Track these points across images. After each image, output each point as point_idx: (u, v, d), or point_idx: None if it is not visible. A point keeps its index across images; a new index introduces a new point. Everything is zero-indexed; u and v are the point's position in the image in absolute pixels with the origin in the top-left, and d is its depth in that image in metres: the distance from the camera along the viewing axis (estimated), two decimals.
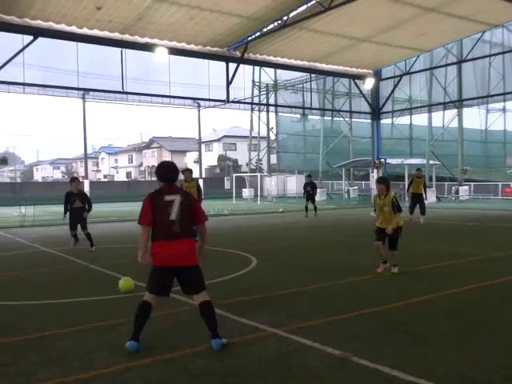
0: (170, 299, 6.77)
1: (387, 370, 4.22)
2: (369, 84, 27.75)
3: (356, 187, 40.75)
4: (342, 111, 41.50)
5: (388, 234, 8.16)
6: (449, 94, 36.73)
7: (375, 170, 30.03)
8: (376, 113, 30.20)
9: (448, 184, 37.02)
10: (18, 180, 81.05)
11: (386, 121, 37.07)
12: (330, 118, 44.11)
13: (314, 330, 5.40)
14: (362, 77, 28.01)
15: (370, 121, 32.74)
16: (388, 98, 30.66)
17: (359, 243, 12.78)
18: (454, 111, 38.40)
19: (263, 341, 5.10)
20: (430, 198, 32.00)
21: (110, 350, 4.89)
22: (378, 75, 28.78)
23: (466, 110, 39.10)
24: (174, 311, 6.25)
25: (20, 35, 18.99)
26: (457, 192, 34.92)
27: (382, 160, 29.85)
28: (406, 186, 19.93)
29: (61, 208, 12.20)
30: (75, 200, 11.86)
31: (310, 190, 21.53)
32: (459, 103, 36.08)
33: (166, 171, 5.24)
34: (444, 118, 41.05)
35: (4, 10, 17.39)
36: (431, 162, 36.26)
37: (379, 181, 8.64)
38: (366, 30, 22.13)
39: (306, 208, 21.40)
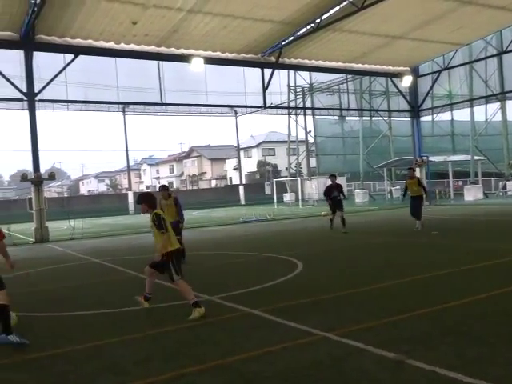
0: (219, 305, 6.88)
1: (445, 372, 4.11)
2: (406, 81, 27.30)
3: (398, 187, 40.03)
4: (381, 110, 40.92)
5: None
6: (490, 87, 35.63)
7: (417, 169, 29.44)
8: (415, 110, 29.67)
9: (495, 179, 35.89)
10: (65, 194, 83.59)
11: (426, 118, 36.30)
12: (368, 118, 43.55)
13: (365, 332, 5.32)
14: (399, 74, 27.59)
15: (409, 119, 32.17)
16: (427, 95, 30.03)
17: (405, 244, 12.55)
18: (497, 104, 37.19)
19: (315, 345, 5.06)
20: (477, 194, 31.14)
21: (164, 357, 4.95)
22: (415, 72, 28.31)
23: (509, 103, 37.84)
24: (223, 317, 6.29)
25: (61, 54, 19.66)
26: (504, 187, 33.81)
27: (424, 158, 29.25)
28: (402, 192, 17.86)
29: (106, 220, 12.46)
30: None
31: (337, 196, 16.17)
32: (502, 96, 34.93)
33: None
34: (487, 112, 39.86)
35: (45, 31, 18.05)
36: (476, 157, 35.25)
37: None
38: (400, 27, 21.83)
39: (331, 220, 16.54)
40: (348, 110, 39.58)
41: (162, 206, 10.82)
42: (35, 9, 15.95)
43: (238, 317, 6.29)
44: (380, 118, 42.89)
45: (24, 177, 19.67)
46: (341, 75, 34.41)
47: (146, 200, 6.73)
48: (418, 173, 29.26)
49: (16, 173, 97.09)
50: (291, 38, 21.44)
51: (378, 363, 4.45)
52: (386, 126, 42.78)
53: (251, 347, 5.06)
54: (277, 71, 25.06)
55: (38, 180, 18.92)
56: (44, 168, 19.94)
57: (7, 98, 20.42)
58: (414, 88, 29.18)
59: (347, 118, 44.71)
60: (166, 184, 13.89)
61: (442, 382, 3.99)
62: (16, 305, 7.75)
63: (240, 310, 6.54)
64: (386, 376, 4.19)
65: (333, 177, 16.68)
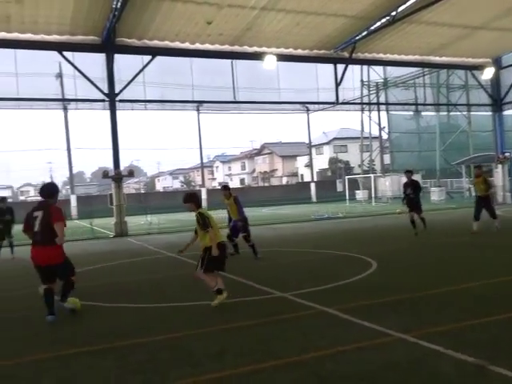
0: (292, 302, 6.89)
1: None
2: (488, 74, 25.99)
3: None
4: (459, 105, 39.20)
5: None
6: None
7: (499, 166, 27.99)
8: (498, 104, 28.23)
9: None
10: (142, 191, 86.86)
11: (509, 112, 34.36)
12: (445, 113, 41.85)
13: (444, 335, 5.12)
14: (479, 67, 26.35)
15: (490, 113, 30.62)
16: (511, 88, 28.44)
17: (486, 245, 11.97)
18: None
19: (391, 346, 4.95)
20: None
21: (238, 352, 5.01)
22: (497, 63, 26.91)
23: None
24: (297, 314, 6.28)
25: (140, 56, 20.43)
26: None
27: (507, 154, 27.74)
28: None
29: (180, 215, 12.79)
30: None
31: (410, 193, 14.54)
32: None
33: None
34: None
35: (125, 34, 18.82)
36: None
37: None
38: (481, 16, 20.82)
39: (413, 222, 14.52)
40: (424, 104, 38.28)
41: (226, 204, 11.43)
42: (116, 13, 16.67)
43: (311, 314, 6.27)
44: (458, 113, 41.09)
45: (105, 174, 20.64)
46: (417, 69, 33.29)
47: (191, 199, 7.18)
48: (500, 170, 27.88)
49: (97, 170, 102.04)
50: (365, 33, 21.03)
51: (458, 367, 4.28)
52: (464, 120, 40.93)
53: (325, 345, 5.02)
54: (350, 66, 24.69)
55: (118, 177, 19.80)
56: (123, 165, 20.81)
57: (91, 98, 21.53)
58: (495, 80, 27.78)
59: (423, 113, 43.23)
60: (228, 184, 14.30)
61: None
62: (99, 295, 8.17)
63: (313, 308, 6.51)
64: (466, 381, 4.03)
65: (408, 173, 15.14)
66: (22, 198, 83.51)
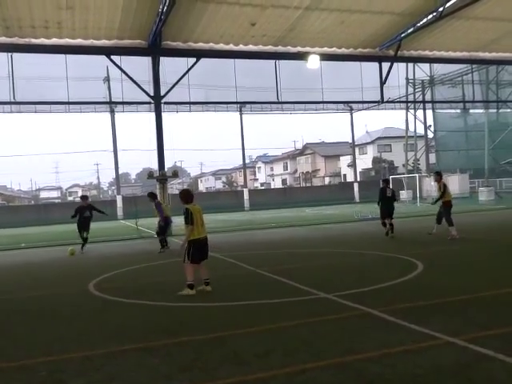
0: (336, 303, 6.85)
1: None
2: None
3: None
4: (509, 101, 37.90)
5: None
6: None
7: None
8: None
9: None
10: None
11: None
12: (494, 111, 40.56)
13: (494, 339, 4.98)
14: None
15: None
16: None
17: None
18: None
19: (439, 349, 4.85)
20: None
21: (284, 352, 5.03)
22: None
23: None
24: (341, 315, 6.25)
25: (185, 58, 20.76)
26: None
27: None
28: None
29: (223, 216, 12.93)
30: None
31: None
32: None
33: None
34: None
35: (171, 37, 19.16)
36: None
37: None
38: None
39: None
40: (473, 102, 37.19)
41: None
42: (162, 17, 16.99)
43: (356, 316, 6.22)
44: (508, 110, 39.76)
45: (150, 175, 21.04)
46: (465, 65, 32.45)
47: (180, 196, 8.29)
48: None
49: (142, 171, 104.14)
50: (411, 30, 20.64)
51: (511, 373, 4.15)
52: None
53: (371, 348, 4.97)
54: (395, 64, 24.27)
55: (162, 178, 20.15)
56: (167, 166, 21.17)
57: (137, 101, 22.03)
58: None
59: (471, 111, 42.08)
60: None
61: None
62: (146, 293, 8.35)
63: (358, 310, 6.46)
64: None
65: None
66: (70, 198, 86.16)
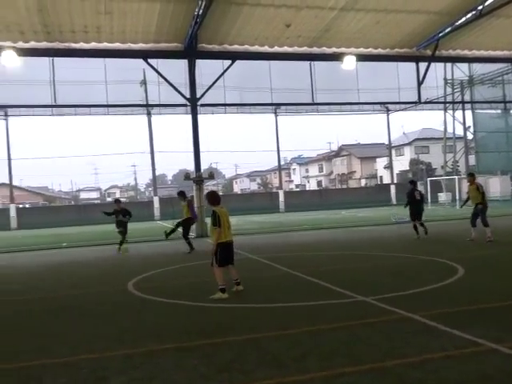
0: (374, 306, 6.77)
1: None
2: None
3: None
4: None
5: None
6: None
7: None
8: None
9: None
10: (220, 193, 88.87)
11: None
12: None
13: None
14: None
15: None
16: None
17: None
18: None
19: (482, 356, 4.71)
20: None
21: (321, 355, 4.99)
22: None
23: None
24: (380, 319, 6.16)
25: (220, 61, 20.91)
26: None
27: None
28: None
29: (258, 217, 12.94)
30: None
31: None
32: None
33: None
34: None
35: (206, 40, 19.34)
36: None
37: None
38: None
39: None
40: None
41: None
42: (198, 20, 17.17)
43: (395, 320, 6.12)
44: None
45: (187, 176, 21.26)
46: (505, 65, 31.56)
47: (206, 198, 8.41)
48: None
49: (178, 172, 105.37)
50: (449, 29, 20.24)
51: None
52: None
53: (411, 353, 4.88)
54: (432, 64, 23.83)
55: (199, 179, 20.34)
56: (202, 168, 21.33)
57: (173, 103, 22.30)
58: None
59: None
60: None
61: None
62: (184, 293, 8.43)
63: (397, 314, 6.35)
64: None
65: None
66: (109, 199, 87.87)
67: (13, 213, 38.60)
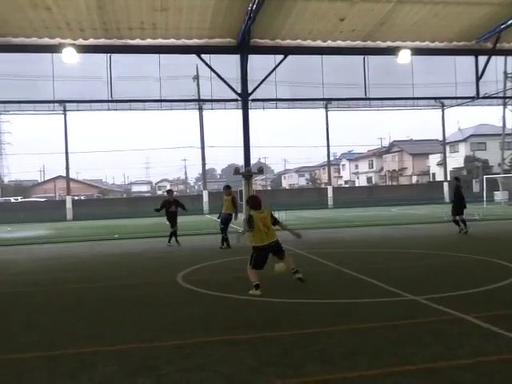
0: (425, 306, 6.62)
1: None
2: None
3: None
4: None
5: None
6: None
7: None
8: None
9: None
10: (269, 187, 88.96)
11: None
12: None
13: None
14: None
15: None
16: None
17: None
18: None
19: None
20: None
21: (370, 353, 4.93)
22: None
23: None
24: (431, 319, 6.02)
25: (272, 55, 20.88)
26: None
27: None
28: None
29: (306, 213, 12.89)
30: None
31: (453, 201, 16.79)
32: None
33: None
34: None
35: (259, 35, 19.35)
36: None
37: None
38: None
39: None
40: None
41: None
42: (251, 15, 17.20)
43: (447, 320, 5.96)
44: None
45: (236, 170, 21.38)
46: None
47: (246, 202, 8.61)
48: None
49: (227, 167, 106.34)
50: None
51: None
52: None
53: (463, 354, 4.76)
54: (493, 58, 22.92)
55: (248, 174, 20.43)
56: (252, 162, 21.40)
57: (225, 98, 22.49)
58: None
59: None
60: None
61: None
62: (232, 287, 8.52)
63: (449, 314, 6.19)
64: None
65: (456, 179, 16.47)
66: (159, 192, 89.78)
67: (69, 204, 40.09)
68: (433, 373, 4.39)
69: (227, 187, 15.60)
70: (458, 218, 16.31)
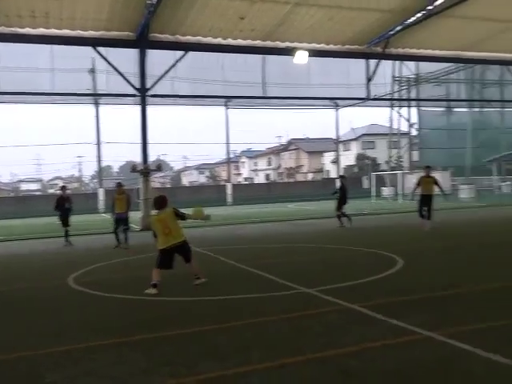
0: (316, 298, 6.89)
1: None
2: None
3: (509, 182, 37.45)
4: (494, 101, 38.34)
5: None
6: None
7: None
8: None
9: None
10: (168, 185, 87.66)
11: None
12: (478, 110, 41.02)
13: (473, 334, 5.05)
14: None
15: None
16: None
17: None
18: None
19: (418, 344, 4.90)
20: None
21: (263, 347, 5.04)
22: None
23: None
24: (322, 310, 6.28)
25: (172, 51, 20.58)
26: None
27: None
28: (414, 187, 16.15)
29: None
30: None
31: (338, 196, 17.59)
32: None
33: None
34: None
35: (159, 29, 18.98)
36: None
37: None
38: None
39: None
40: (457, 100, 37.55)
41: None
42: (151, 9, 16.80)
43: (336, 311, 6.25)
44: (492, 109, 40.24)
45: (134, 168, 20.87)
46: (450, 64, 32.69)
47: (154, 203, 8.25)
48: None
49: (124, 164, 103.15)
50: (399, 27, 20.66)
51: (489, 368, 4.22)
52: (498, 117, 40.04)
53: (350, 342, 5.00)
54: (382, 62, 24.36)
55: (146, 171, 20.00)
56: (150, 160, 20.95)
57: (122, 93, 21.80)
58: None
59: (455, 110, 42.50)
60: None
61: None
62: (125, 286, 8.30)
63: (338, 304, 6.49)
64: (499, 381, 3.95)
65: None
66: (51, 190, 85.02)
67: None
68: (322, 362, 4.57)
69: (119, 185, 14.97)
70: (340, 212, 17.28)
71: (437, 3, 18.65)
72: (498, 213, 22.00)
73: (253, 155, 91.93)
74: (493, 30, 21.97)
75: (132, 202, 14.72)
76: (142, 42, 19.15)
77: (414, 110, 42.84)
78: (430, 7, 18.88)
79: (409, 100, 41.23)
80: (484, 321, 5.51)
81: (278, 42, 21.00)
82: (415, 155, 44.58)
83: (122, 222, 14.12)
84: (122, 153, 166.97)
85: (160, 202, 8.12)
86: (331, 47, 22.06)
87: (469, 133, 39.49)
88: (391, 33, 21.15)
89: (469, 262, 9.73)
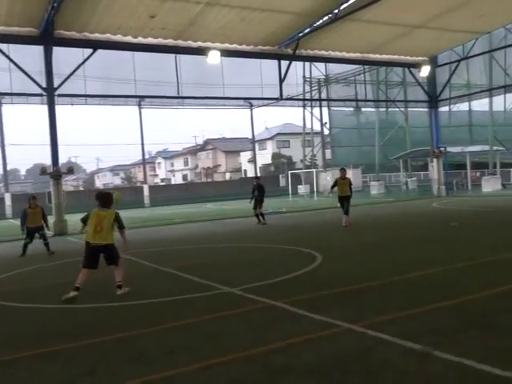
0: (240, 297, 6.93)
1: (473, 364, 4.10)
2: (425, 72, 26.96)
3: (415, 178, 39.81)
4: (398, 101, 40.56)
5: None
6: (510, 76, 35.09)
7: (435, 160, 29.19)
8: (433, 101, 29.33)
9: None
10: (81, 188, 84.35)
11: (443, 108, 35.82)
12: (384, 109, 43.23)
13: (389, 324, 5.32)
14: (417, 65, 27.27)
15: (426, 109, 31.84)
16: (446, 85, 29.59)
17: (424, 237, 12.48)
18: None
19: (339, 336, 5.08)
20: (495, 185, 30.82)
21: (189, 349, 5.00)
22: (433, 62, 27.95)
23: None
24: (245, 309, 6.33)
25: (80, 49, 19.79)
26: None
27: (443, 149, 28.93)
28: (330, 188, 17.29)
29: (122, 213, 12.56)
30: None
31: (257, 196, 18.25)
32: None
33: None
34: (505, 102, 39.38)
35: (64, 26, 18.19)
36: (494, 148, 34.83)
37: None
38: (421, 15, 21.53)
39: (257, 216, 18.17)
40: (364, 101, 39.28)
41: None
42: (55, 4, 16.05)
43: (259, 309, 6.33)
44: (396, 109, 42.55)
45: (43, 171, 19.88)
46: (357, 66, 34.15)
47: (96, 197, 8.02)
48: (435, 164, 29.07)
49: (33, 167, 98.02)
50: (308, 30, 21.28)
51: (405, 355, 4.46)
52: (402, 116, 42.43)
53: (275, 339, 5.08)
54: (293, 63, 24.94)
55: (57, 174, 19.13)
56: (60, 162, 20.03)
57: (27, 93, 20.65)
58: (432, 78, 28.79)
59: (363, 110, 44.46)
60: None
61: (471, 373, 3.99)
62: (40, 296, 7.89)
63: (261, 302, 6.58)
64: (414, 368, 4.19)
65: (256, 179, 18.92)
66: None
67: None
68: (247, 360, 4.61)
69: (33, 198, 13.51)
70: (258, 211, 17.90)
71: (343, 7, 19.39)
72: (405, 208, 23.30)
73: (169, 156, 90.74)
74: (395, 34, 23.29)
75: (46, 214, 13.70)
76: (47, 38, 18.27)
77: (325, 110, 44.34)
78: (336, 11, 19.60)
79: (320, 100, 42.56)
80: (402, 310, 5.80)
81: (190, 42, 20.87)
82: (328, 153, 46.12)
83: (36, 232, 13.31)
84: (29, 155, 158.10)
85: (104, 200, 7.93)
86: (244, 47, 22.27)
87: (376, 131, 41.47)
88: (301, 35, 21.72)
89: (383, 255, 10.22)
